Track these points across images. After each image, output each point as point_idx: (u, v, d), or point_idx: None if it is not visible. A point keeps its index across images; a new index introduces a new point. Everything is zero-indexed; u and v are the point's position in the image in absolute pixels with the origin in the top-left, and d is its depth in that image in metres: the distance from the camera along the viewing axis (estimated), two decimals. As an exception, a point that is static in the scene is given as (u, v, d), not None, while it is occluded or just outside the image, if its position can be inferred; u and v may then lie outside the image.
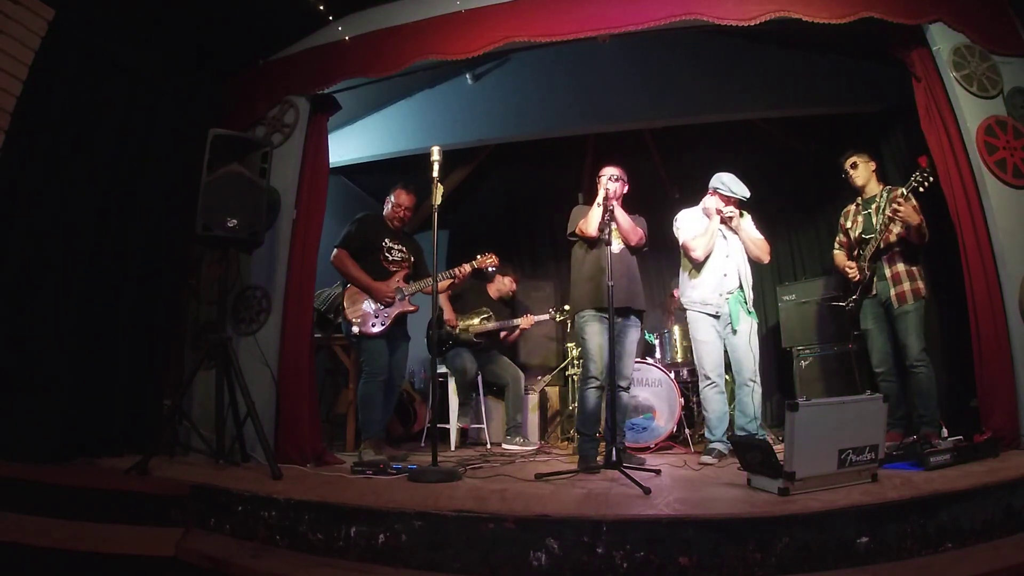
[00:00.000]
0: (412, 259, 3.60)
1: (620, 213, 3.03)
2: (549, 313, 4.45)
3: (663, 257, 5.59)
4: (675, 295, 4.73)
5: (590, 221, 3.00)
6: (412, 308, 3.45)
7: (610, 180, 3.01)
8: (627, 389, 3.12)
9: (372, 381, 3.30)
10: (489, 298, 4.57)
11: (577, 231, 3.08)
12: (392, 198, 3.60)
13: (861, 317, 3.24)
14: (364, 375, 3.33)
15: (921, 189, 2.88)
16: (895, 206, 2.94)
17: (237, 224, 2.76)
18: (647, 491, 2.12)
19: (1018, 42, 2.89)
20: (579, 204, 3.25)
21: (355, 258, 3.40)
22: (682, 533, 1.65)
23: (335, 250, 3.41)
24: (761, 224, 3.37)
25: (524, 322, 4.39)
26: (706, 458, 2.96)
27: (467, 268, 3.64)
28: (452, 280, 3.67)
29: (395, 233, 3.59)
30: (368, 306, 3.37)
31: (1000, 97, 2.82)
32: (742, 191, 3.21)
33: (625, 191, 3.17)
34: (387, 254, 3.49)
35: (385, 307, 3.37)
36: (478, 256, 3.70)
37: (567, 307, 4.43)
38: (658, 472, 2.61)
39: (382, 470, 2.62)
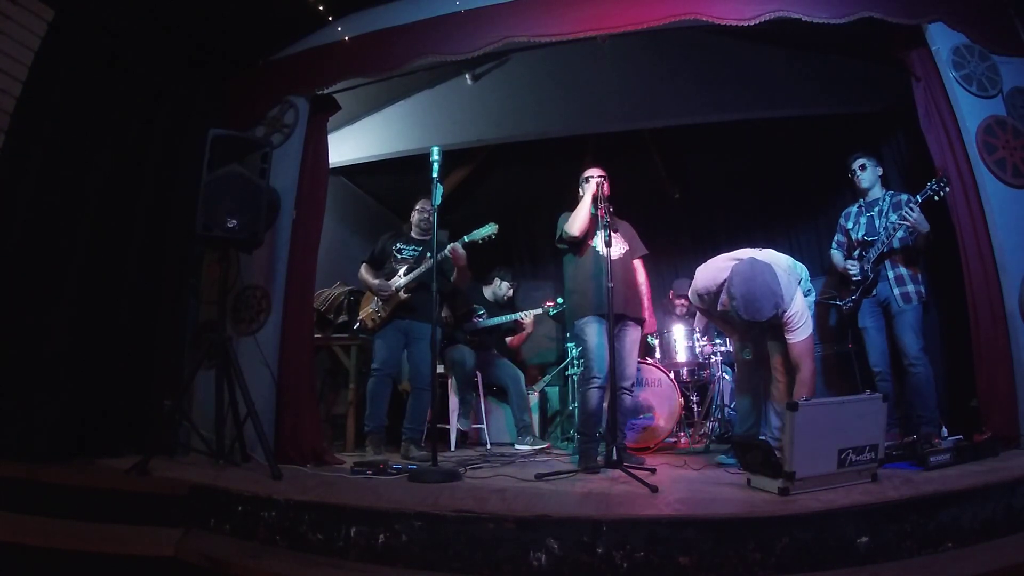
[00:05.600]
0: (428, 255, 3.55)
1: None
2: (543, 308, 4.45)
3: (662, 257, 5.61)
4: (679, 301, 4.75)
5: (575, 222, 2.98)
6: (403, 297, 3.50)
7: (600, 182, 2.99)
8: (630, 390, 3.11)
9: (375, 375, 3.47)
10: (484, 299, 4.58)
11: (564, 231, 3.05)
12: (417, 206, 3.77)
13: (859, 316, 3.25)
14: (371, 370, 3.51)
15: (936, 199, 2.87)
16: (904, 213, 2.94)
17: (237, 224, 2.75)
18: (654, 489, 2.12)
19: (1018, 42, 2.89)
20: (566, 210, 3.22)
21: (374, 269, 3.68)
22: (682, 533, 1.65)
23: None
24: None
25: (526, 320, 4.39)
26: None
27: (458, 247, 3.40)
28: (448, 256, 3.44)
29: (411, 238, 3.72)
30: (374, 305, 3.60)
31: (1000, 97, 2.82)
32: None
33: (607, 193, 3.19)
34: (396, 255, 3.64)
35: (384, 302, 3.54)
36: (475, 231, 3.46)
37: (560, 299, 4.44)
38: (653, 471, 2.61)
39: (382, 470, 2.62)
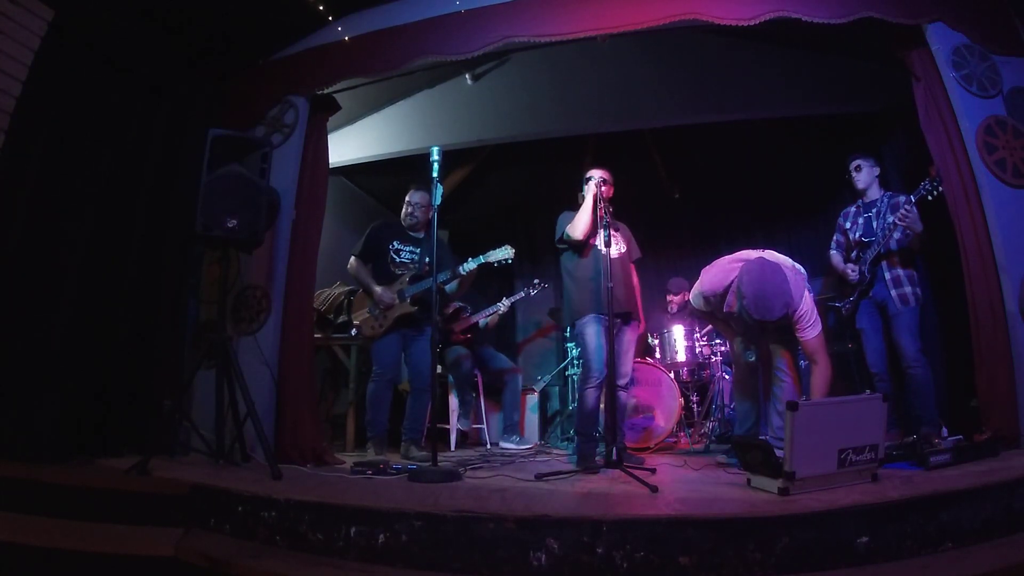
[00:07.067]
0: (428, 259, 3.47)
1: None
2: (524, 291, 4.46)
3: (662, 257, 5.62)
4: (670, 297, 4.75)
5: (578, 225, 2.98)
6: (411, 309, 3.41)
7: (600, 184, 3.00)
8: (626, 388, 3.12)
9: (376, 380, 3.40)
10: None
11: (566, 234, 3.04)
12: (406, 198, 3.61)
13: (857, 317, 3.25)
14: (371, 374, 3.43)
15: (929, 198, 2.88)
16: (902, 213, 2.94)
17: (237, 224, 2.75)
18: (654, 489, 2.12)
19: (1018, 42, 2.89)
20: (567, 210, 3.22)
21: (367, 264, 3.51)
22: (682, 533, 1.65)
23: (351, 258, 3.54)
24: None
25: (503, 306, 4.40)
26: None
27: (473, 268, 3.42)
28: (460, 277, 3.48)
29: (407, 236, 3.59)
30: (371, 309, 3.46)
31: (1000, 97, 2.81)
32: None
33: (610, 194, 3.18)
34: (394, 256, 3.52)
35: (384, 309, 3.42)
36: (491, 251, 3.42)
37: (536, 280, 4.48)
38: (653, 471, 2.61)
39: (382, 470, 2.62)
